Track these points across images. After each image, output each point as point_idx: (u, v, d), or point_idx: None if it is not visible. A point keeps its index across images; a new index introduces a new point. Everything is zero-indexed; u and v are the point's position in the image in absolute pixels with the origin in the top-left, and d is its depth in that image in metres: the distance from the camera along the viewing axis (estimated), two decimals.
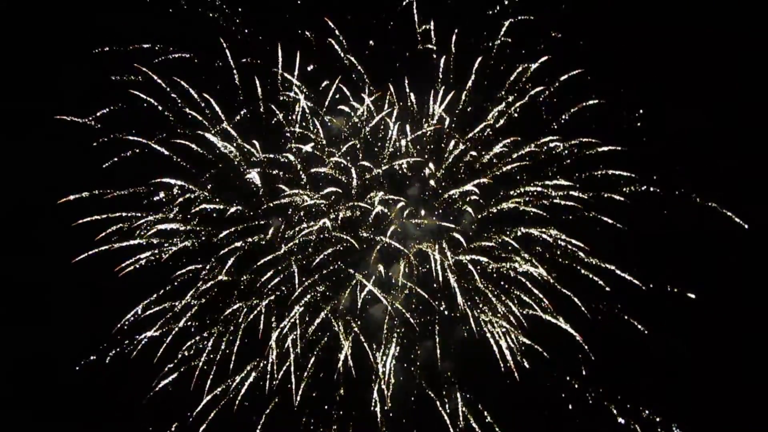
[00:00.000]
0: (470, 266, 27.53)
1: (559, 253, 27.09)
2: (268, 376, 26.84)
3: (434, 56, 27.81)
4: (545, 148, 27.50)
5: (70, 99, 25.74)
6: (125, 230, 26.41)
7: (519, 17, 27.29)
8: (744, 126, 25.35)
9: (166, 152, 27.06)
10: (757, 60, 26.03)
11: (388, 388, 27.09)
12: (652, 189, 26.31)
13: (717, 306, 24.63)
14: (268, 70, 27.21)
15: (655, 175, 26.38)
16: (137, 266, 26.34)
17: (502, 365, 26.36)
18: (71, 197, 25.84)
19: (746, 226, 24.64)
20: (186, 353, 26.94)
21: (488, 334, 26.94)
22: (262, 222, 27.86)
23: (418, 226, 28.71)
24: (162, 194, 27.04)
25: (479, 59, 27.60)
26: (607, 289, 26.20)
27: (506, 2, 26.97)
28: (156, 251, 26.65)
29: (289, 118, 27.84)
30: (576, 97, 27.17)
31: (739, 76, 25.42)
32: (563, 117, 27.38)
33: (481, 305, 27.50)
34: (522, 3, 27.07)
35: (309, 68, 27.40)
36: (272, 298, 27.48)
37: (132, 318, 26.35)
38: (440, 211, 28.68)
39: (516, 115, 27.80)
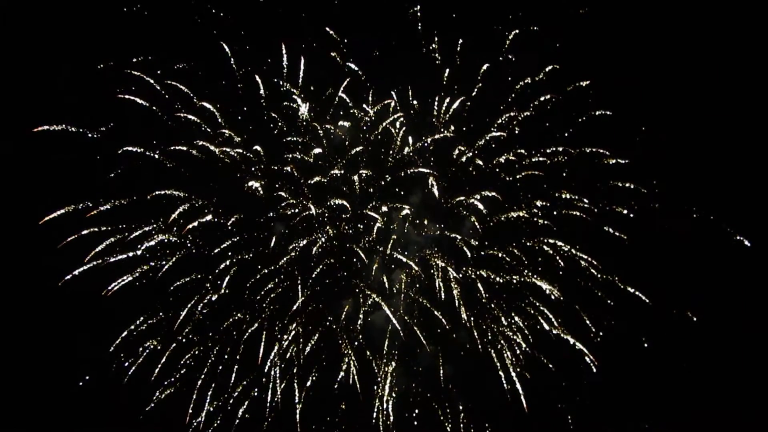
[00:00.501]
0: (473, 276, 27.58)
1: (562, 264, 27.10)
2: (270, 388, 26.82)
3: (439, 66, 27.51)
4: (550, 159, 27.36)
5: (67, 110, 25.08)
6: (125, 242, 26.02)
7: (524, 28, 26.98)
8: (749, 140, 25.29)
9: (167, 162, 26.57)
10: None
11: (390, 395, 27.23)
12: (655, 202, 26.40)
13: (719, 322, 24.86)
14: (272, 78, 26.74)
15: (657, 189, 26.40)
16: (136, 278, 26.02)
17: (503, 376, 26.69)
18: (68, 209, 25.30)
19: (747, 243, 24.84)
20: (186, 366, 26.78)
21: (490, 346, 27.12)
22: (264, 233, 27.54)
23: (421, 234, 28.61)
24: (164, 204, 26.59)
25: (484, 68, 27.32)
26: (609, 302, 26.42)
27: (510, 17, 26.64)
28: (156, 262, 26.29)
29: (292, 126, 27.47)
30: (582, 107, 27.02)
31: (749, 89, 25.19)
32: (569, 128, 27.22)
33: (484, 315, 27.54)
34: (528, 14, 26.73)
35: (313, 77, 26.94)
36: (273, 309, 27.36)
37: (131, 331, 26.08)
38: (443, 222, 28.54)
39: (521, 125, 27.61)
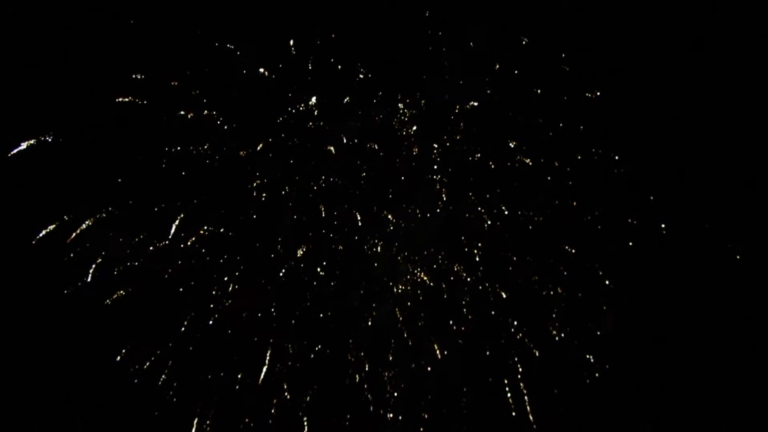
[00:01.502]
0: (479, 279, 27.79)
1: (567, 273, 27.44)
2: (276, 393, 27.03)
3: (448, 70, 26.94)
4: (559, 165, 27.32)
5: (64, 115, 24.09)
6: (128, 250, 25.49)
7: (535, 34, 26.43)
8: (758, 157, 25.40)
9: (169, 167, 25.85)
10: None
11: (397, 400, 27.73)
12: (658, 214, 26.66)
13: (721, 334, 25.58)
14: (278, 82, 25.96)
15: (660, 200, 26.62)
16: (141, 287, 25.68)
17: (507, 381, 27.31)
18: (58, 223, 24.60)
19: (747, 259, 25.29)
20: (192, 373, 26.76)
21: (495, 348, 27.62)
22: (270, 238, 27.22)
23: (427, 237, 28.53)
24: (166, 211, 25.98)
25: (494, 74, 26.90)
26: (604, 308, 26.99)
27: (521, 23, 26.05)
28: (157, 276, 25.89)
29: (300, 130, 26.85)
30: (592, 114, 26.81)
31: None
32: (579, 135, 27.06)
33: (489, 317, 27.87)
34: (539, 21, 26.17)
35: (321, 80, 26.23)
36: (279, 314, 27.31)
37: (136, 340, 25.86)
38: (449, 225, 28.44)
39: (531, 131, 27.37)
